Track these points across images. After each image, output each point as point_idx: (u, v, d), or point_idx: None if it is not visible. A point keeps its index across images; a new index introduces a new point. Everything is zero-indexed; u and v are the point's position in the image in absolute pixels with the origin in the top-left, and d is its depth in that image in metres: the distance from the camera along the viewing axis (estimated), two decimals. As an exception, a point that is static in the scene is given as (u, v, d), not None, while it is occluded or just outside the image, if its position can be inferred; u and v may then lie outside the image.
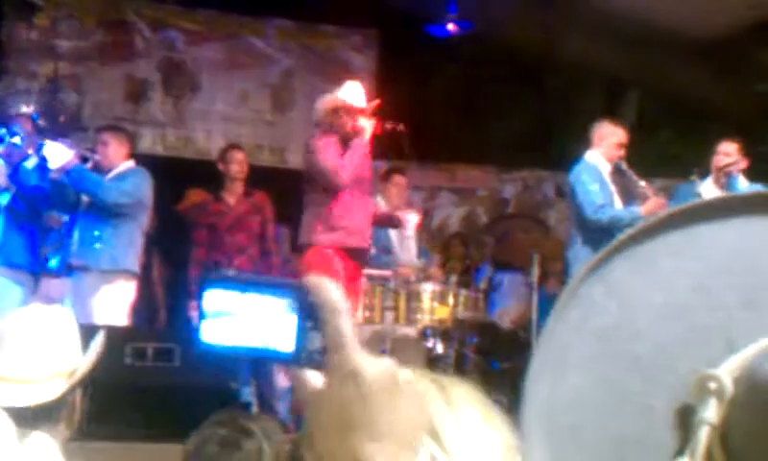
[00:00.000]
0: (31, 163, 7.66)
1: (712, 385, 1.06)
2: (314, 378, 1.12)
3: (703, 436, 1.06)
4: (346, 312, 1.09)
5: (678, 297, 1.15)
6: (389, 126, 7.69)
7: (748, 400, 1.05)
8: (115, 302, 7.55)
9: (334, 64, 12.45)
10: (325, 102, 7.67)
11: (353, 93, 7.62)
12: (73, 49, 11.86)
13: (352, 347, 1.07)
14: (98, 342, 3.30)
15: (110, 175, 7.83)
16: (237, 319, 1.23)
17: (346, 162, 7.22)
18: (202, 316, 1.22)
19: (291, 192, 10.10)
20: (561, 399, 1.20)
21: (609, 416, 1.14)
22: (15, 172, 7.64)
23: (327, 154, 7.27)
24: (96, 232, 7.63)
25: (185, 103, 12.08)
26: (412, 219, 8.29)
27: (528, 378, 1.25)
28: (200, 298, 1.23)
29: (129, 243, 7.76)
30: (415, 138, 7.77)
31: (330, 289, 1.12)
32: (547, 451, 1.18)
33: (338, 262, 7.22)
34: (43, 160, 7.52)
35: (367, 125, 7.44)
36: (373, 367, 1.07)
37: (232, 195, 8.39)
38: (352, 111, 7.48)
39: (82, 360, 3.20)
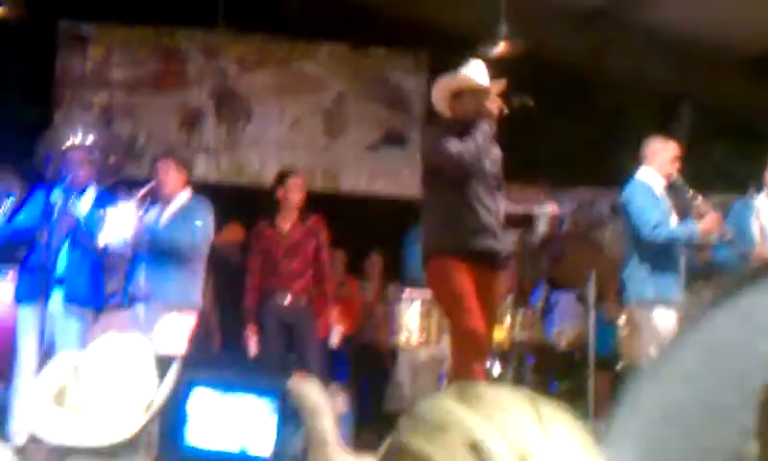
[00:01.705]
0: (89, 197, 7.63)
1: None
2: None
3: None
4: (327, 413, 1.10)
5: None
6: (516, 102, 6.50)
7: None
8: (177, 332, 7.55)
9: (385, 87, 12.49)
10: (444, 84, 6.67)
11: (477, 72, 6.61)
12: (127, 78, 11.99)
13: (333, 448, 1.09)
14: (173, 372, 3.27)
15: (173, 206, 7.78)
16: (220, 421, 1.24)
17: (471, 146, 6.30)
18: (185, 418, 1.23)
19: (344, 216, 10.15)
20: (660, 408, 1.21)
21: (702, 429, 1.15)
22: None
23: (446, 140, 6.34)
24: (163, 269, 7.61)
25: (238, 129, 12.16)
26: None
27: (630, 389, 1.26)
28: (185, 398, 1.25)
29: (195, 278, 7.76)
30: None
31: (311, 391, 1.13)
32: (636, 457, 1.20)
33: (467, 270, 6.30)
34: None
35: (494, 107, 6.41)
36: None
37: (288, 221, 8.38)
38: (478, 92, 6.49)
39: (158, 391, 3.17)
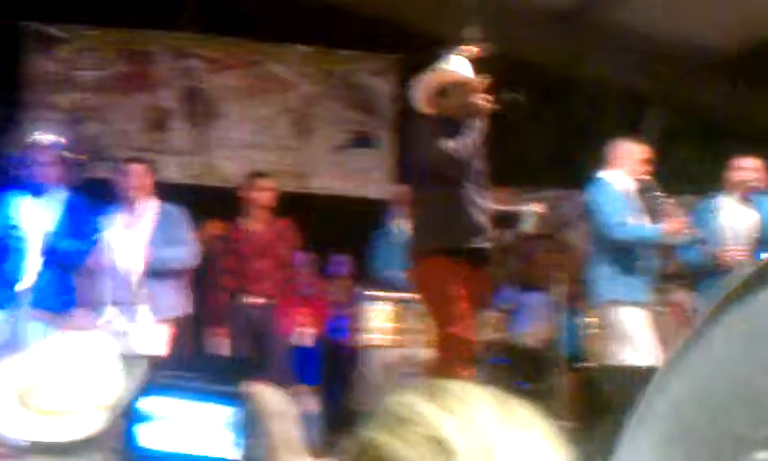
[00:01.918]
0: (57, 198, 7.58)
1: None
2: None
3: None
4: (287, 417, 1.10)
5: None
6: (507, 97, 6.40)
7: None
8: (160, 338, 7.57)
9: (355, 89, 12.49)
10: (429, 80, 6.50)
11: (462, 66, 6.45)
12: (94, 80, 11.93)
13: (294, 452, 1.09)
14: (140, 371, 3.22)
15: (148, 216, 7.75)
16: (178, 425, 1.22)
17: (460, 147, 6.19)
18: (141, 418, 1.22)
19: (313, 217, 10.13)
20: (689, 391, 1.20)
21: (733, 415, 1.15)
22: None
23: (433, 139, 6.23)
24: (151, 281, 7.60)
25: (207, 131, 12.12)
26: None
27: (660, 373, 1.26)
28: (143, 400, 1.23)
29: (181, 287, 7.80)
30: None
31: (271, 395, 1.13)
32: (658, 449, 1.19)
33: (460, 271, 6.23)
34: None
35: (484, 102, 6.28)
36: None
37: (257, 222, 8.37)
38: (464, 87, 6.36)
39: (121, 391, 3.14)
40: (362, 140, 12.49)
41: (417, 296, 8.10)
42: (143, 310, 7.59)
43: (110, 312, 7.54)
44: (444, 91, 6.45)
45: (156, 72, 12.09)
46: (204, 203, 9.67)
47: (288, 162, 12.22)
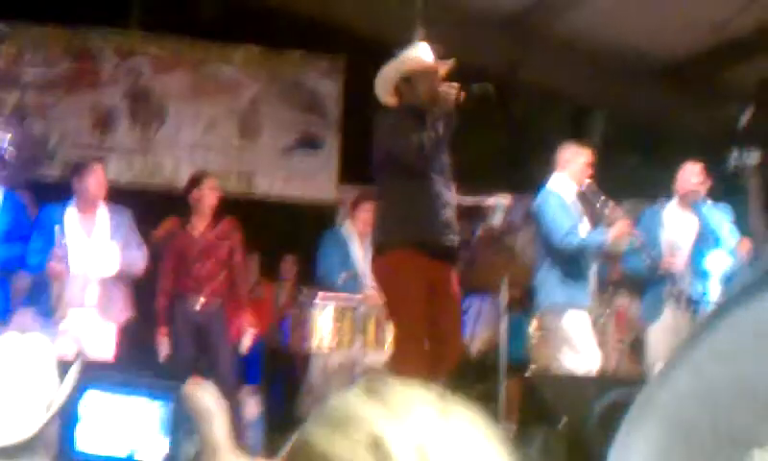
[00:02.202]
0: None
1: None
2: None
3: None
4: (220, 418, 1.10)
5: None
6: (477, 89, 6.05)
7: None
8: (107, 339, 7.55)
9: (301, 90, 12.48)
10: (392, 68, 6.31)
11: (425, 54, 6.24)
12: (39, 78, 11.82)
13: (226, 453, 1.09)
14: (74, 373, 3.19)
15: (101, 220, 7.73)
16: (111, 425, 1.22)
17: (424, 137, 5.95)
18: (76, 419, 1.21)
19: (259, 219, 10.12)
20: (691, 385, 1.21)
21: (735, 411, 1.15)
22: None
23: (396, 130, 6.07)
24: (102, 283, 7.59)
25: (152, 131, 12.06)
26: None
27: (663, 370, 1.26)
28: (78, 399, 1.22)
29: (125, 289, 7.77)
30: None
31: (204, 395, 1.13)
32: (658, 442, 1.20)
33: (425, 268, 6.08)
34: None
35: (450, 90, 5.98)
36: None
37: (201, 223, 8.33)
38: (430, 75, 6.15)
39: (58, 392, 3.11)
40: (308, 142, 12.48)
41: (361, 298, 8.13)
42: (97, 314, 7.57)
43: (67, 315, 7.46)
44: (408, 79, 6.26)
45: (101, 71, 12.00)
46: (148, 203, 9.62)
47: (234, 164, 12.19)
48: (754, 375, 1.11)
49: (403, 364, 6.02)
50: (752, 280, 1.15)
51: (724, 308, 1.17)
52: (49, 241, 7.32)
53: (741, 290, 1.14)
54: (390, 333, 7.89)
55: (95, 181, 7.72)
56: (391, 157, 6.15)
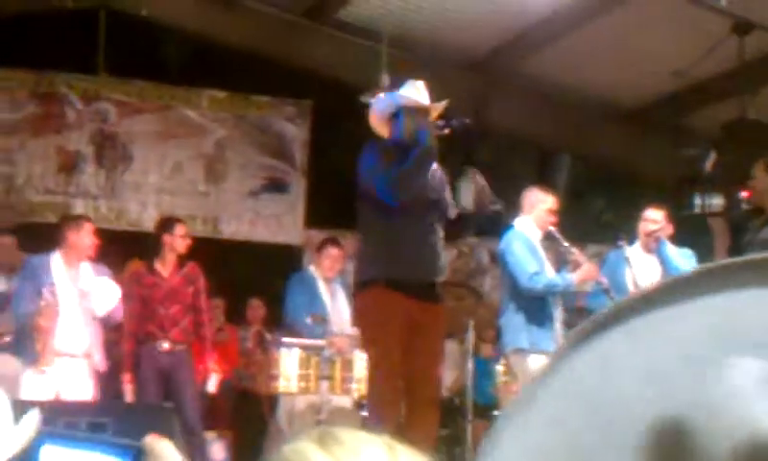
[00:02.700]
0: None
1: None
2: None
3: None
4: None
5: (661, 364, 1.18)
6: (456, 123, 6.09)
7: None
8: (83, 379, 7.57)
9: (268, 135, 12.50)
10: (383, 103, 6.30)
11: (416, 92, 6.20)
12: (5, 121, 11.80)
13: None
14: (32, 419, 3.14)
15: (87, 268, 7.75)
16: None
17: (402, 174, 5.90)
18: None
19: (225, 263, 10.11)
20: (523, 453, 1.22)
21: (586, 439, 1.16)
22: None
23: (378, 164, 6.00)
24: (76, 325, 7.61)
25: (118, 174, 12.05)
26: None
27: (489, 437, 1.27)
28: (36, 456, 1.20)
29: (98, 330, 7.79)
30: (349, 207, 7.37)
31: (166, 450, 1.12)
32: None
33: (399, 304, 5.95)
34: None
35: (431, 128, 6.00)
36: None
37: (166, 267, 8.33)
38: (419, 113, 6.10)
39: (14, 438, 3.07)
40: (275, 185, 12.49)
41: (326, 342, 8.11)
42: (82, 361, 7.62)
43: (52, 363, 7.46)
44: (397, 114, 6.19)
45: (67, 115, 11.99)
46: (113, 247, 9.59)
47: (200, 207, 12.18)
48: (582, 434, 1.13)
49: (377, 402, 6.00)
50: (599, 318, 1.16)
51: (544, 373, 1.18)
52: (36, 290, 7.36)
53: (558, 354, 1.16)
54: (356, 378, 7.92)
55: (88, 235, 7.79)
56: (368, 191, 6.07)
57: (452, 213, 6.32)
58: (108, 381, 8.27)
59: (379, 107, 6.32)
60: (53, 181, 11.86)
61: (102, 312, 7.59)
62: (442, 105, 6.22)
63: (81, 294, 7.57)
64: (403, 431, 5.51)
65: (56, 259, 7.66)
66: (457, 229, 6.53)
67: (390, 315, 5.95)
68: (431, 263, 6.16)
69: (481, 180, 6.23)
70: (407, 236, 6.02)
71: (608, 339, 1.25)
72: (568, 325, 8.90)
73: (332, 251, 8.88)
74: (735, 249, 6.58)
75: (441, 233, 6.25)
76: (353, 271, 6.58)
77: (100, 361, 7.71)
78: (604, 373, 1.21)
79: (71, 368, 7.51)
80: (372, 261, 6.14)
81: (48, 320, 7.31)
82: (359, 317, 6.48)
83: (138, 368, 8.13)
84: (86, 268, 7.72)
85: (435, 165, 6.18)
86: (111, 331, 8.30)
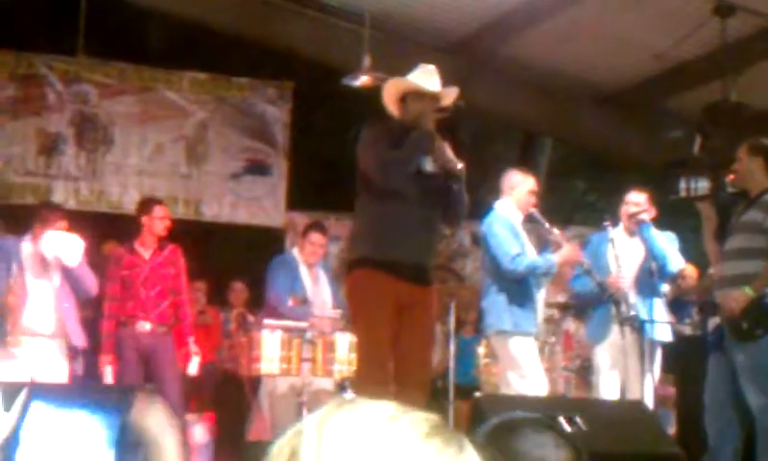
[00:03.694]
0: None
1: None
2: None
3: None
4: (169, 439, 1.09)
5: None
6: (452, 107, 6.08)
7: None
8: (60, 362, 7.55)
9: (249, 116, 12.47)
10: (390, 87, 6.21)
11: (426, 77, 6.18)
12: (-16, 103, 11.76)
13: None
14: (22, 400, 3.13)
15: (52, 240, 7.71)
16: (56, 444, 1.19)
17: (401, 156, 5.89)
18: (17, 442, 1.18)
19: (206, 245, 10.08)
20: None
21: None
22: None
23: (377, 145, 5.97)
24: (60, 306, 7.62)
25: (99, 156, 12.01)
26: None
27: None
28: (23, 417, 1.20)
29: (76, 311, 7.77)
30: (331, 189, 7.40)
31: (153, 417, 1.12)
32: None
33: (388, 285, 5.91)
34: None
35: (430, 114, 5.96)
36: None
37: (147, 248, 8.31)
38: (425, 98, 6.06)
39: (4, 420, 3.06)
40: (256, 168, 12.46)
41: (308, 325, 8.10)
42: (56, 342, 7.60)
43: (21, 344, 7.44)
44: (403, 99, 6.14)
45: (47, 96, 11.94)
46: (94, 229, 9.56)
47: (181, 189, 12.15)
48: None
49: (365, 383, 5.98)
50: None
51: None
52: (6, 273, 7.37)
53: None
54: (338, 360, 7.91)
55: (61, 225, 7.73)
56: (365, 170, 6.04)
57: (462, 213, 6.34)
58: (88, 362, 8.26)
59: (389, 88, 6.23)
60: (33, 162, 11.82)
61: (74, 262, 7.52)
62: (454, 90, 6.17)
63: (51, 272, 7.55)
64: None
65: (25, 243, 7.63)
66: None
67: (378, 295, 5.91)
68: (424, 246, 6.12)
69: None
70: (400, 219, 5.97)
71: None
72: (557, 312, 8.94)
73: (316, 237, 8.81)
74: (723, 232, 6.56)
75: (437, 218, 6.20)
76: (349, 246, 6.59)
77: (78, 339, 7.68)
78: None
79: (43, 348, 7.48)
80: (362, 241, 6.13)
81: (17, 298, 7.31)
82: (348, 296, 6.46)
83: (119, 349, 8.11)
84: (50, 236, 7.67)
85: (451, 155, 6.13)
86: (88, 309, 8.28)
